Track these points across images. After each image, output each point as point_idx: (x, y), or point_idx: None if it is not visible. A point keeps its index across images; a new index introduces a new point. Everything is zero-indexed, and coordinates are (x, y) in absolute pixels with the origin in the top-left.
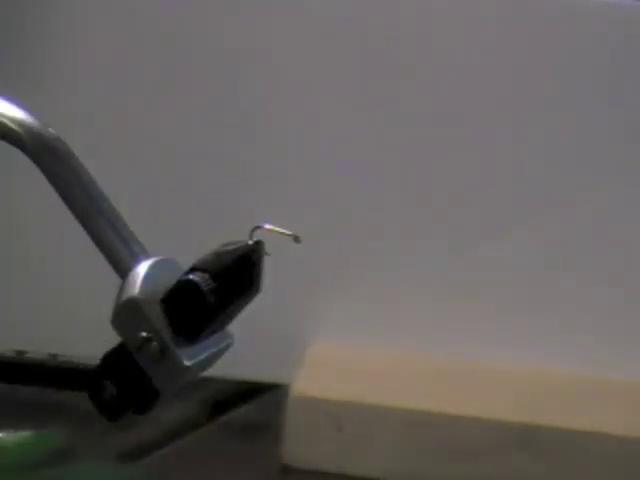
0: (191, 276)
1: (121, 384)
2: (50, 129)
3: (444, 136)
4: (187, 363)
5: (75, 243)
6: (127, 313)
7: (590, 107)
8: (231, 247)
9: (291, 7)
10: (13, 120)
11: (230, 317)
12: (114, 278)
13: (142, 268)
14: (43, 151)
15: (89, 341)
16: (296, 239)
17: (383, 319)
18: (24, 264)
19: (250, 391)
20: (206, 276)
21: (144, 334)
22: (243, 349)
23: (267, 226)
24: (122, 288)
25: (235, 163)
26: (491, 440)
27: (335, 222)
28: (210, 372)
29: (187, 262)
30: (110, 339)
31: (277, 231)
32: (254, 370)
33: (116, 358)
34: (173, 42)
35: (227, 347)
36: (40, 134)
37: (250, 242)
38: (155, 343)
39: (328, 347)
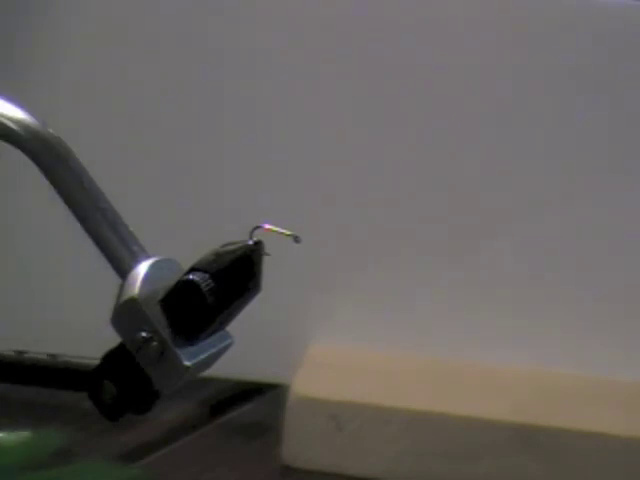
0: (191, 276)
1: (121, 384)
2: (50, 129)
3: (444, 136)
4: (187, 363)
5: (75, 243)
6: (127, 313)
7: (590, 107)
8: (231, 247)
9: (291, 6)
10: (13, 120)
11: (230, 317)
12: (114, 278)
13: (142, 268)
14: (43, 151)
15: (89, 341)
16: (296, 239)
17: (383, 319)
18: (24, 264)
19: (250, 391)
20: (206, 276)
21: (144, 334)
22: (243, 349)
23: (267, 226)
24: (122, 288)
25: (235, 163)
26: (491, 440)
27: (335, 222)
28: (210, 372)
29: (187, 262)
30: (110, 339)
31: (277, 231)
32: (254, 370)
33: (116, 358)
34: (173, 41)
35: (227, 347)
36: (40, 134)
37: (250, 242)
38: (155, 343)
39: (328, 347)
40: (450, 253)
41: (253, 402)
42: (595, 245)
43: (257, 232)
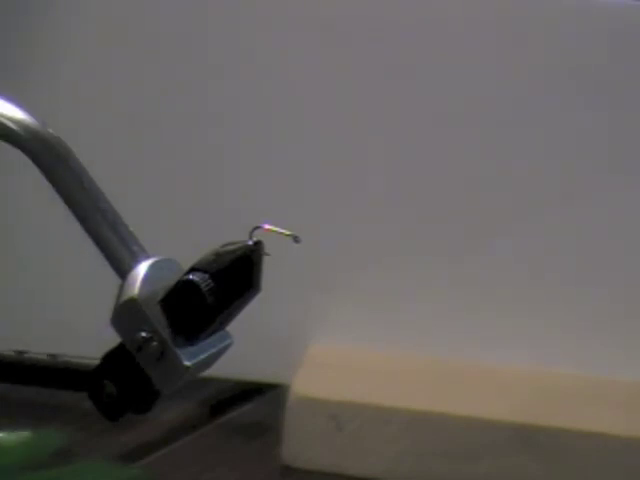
0: (191, 276)
1: (121, 384)
2: (50, 129)
3: (444, 136)
4: (187, 363)
5: (75, 243)
6: (127, 313)
7: (590, 107)
8: (231, 247)
9: (291, 6)
10: (13, 120)
11: (230, 317)
12: (114, 278)
13: (142, 268)
14: (43, 151)
15: (89, 341)
16: (296, 239)
17: (383, 319)
18: (24, 264)
19: (250, 391)
20: (206, 276)
21: (144, 334)
22: (243, 349)
23: (267, 226)
24: (122, 288)
25: (235, 163)
26: (491, 440)
27: (335, 222)
28: (210, 372)
29: (187, 262)
30: (110, 339)
31: (277, 231)
32: (254, 370)
33: (116, 358)
34: (173, 42)
35: (227, 347)
36: (40, 134)
37: (250, 242)
38: (155, 343)
39: (328, 347)
40: (450, 253)
41: (253, 402)
42: (595, 245)
43: (257, 232)
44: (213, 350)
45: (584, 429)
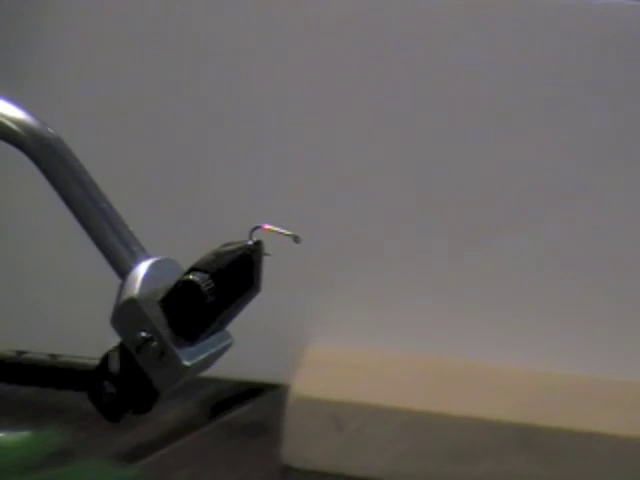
0: (191, 276)
1: (121, 384)
2: (50, 129)
3: (444, 136)
4: (187, 363)
5: (75, 243)
6: (127, 313)
7: (590, 107)
8: (231, 247)
9: (291, 6)
10: (13, 120)
11: (230, 317)
12: (114, 278)
13: (142, 268)
14: (43, 151)
15: (89, 341)
16: (296, 239)
17: (383, 319)
18: (24, 264)
19: (250, 391)
20: (206, 276)
21: (144, 334)
22: (243, 349)
23: (267, 226)
24: (122, 288)
25: (235, 163)
26: (491, 440)
27: (335, 222)
28: (210, 372)
29: (187, 262)
30: (110, 339)
31: (277, 231)
32: (254, 370)
33: (116, 358)
34: (173, 42)
35: (227, 347)
36: (40, 134)
37: (250, 242)
38: (155, 343)
39: (328, 347)
40: (450, 252)
41: (253, 402)
42: (595, 245)
43: (257, 232)
44: (213, 350)
45: (584, 429)
